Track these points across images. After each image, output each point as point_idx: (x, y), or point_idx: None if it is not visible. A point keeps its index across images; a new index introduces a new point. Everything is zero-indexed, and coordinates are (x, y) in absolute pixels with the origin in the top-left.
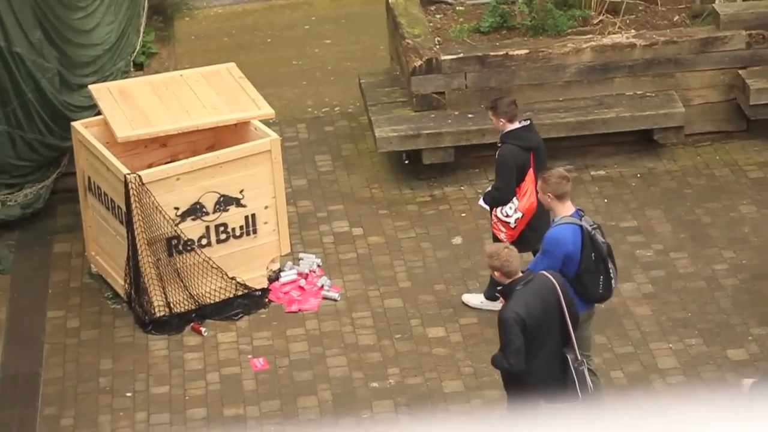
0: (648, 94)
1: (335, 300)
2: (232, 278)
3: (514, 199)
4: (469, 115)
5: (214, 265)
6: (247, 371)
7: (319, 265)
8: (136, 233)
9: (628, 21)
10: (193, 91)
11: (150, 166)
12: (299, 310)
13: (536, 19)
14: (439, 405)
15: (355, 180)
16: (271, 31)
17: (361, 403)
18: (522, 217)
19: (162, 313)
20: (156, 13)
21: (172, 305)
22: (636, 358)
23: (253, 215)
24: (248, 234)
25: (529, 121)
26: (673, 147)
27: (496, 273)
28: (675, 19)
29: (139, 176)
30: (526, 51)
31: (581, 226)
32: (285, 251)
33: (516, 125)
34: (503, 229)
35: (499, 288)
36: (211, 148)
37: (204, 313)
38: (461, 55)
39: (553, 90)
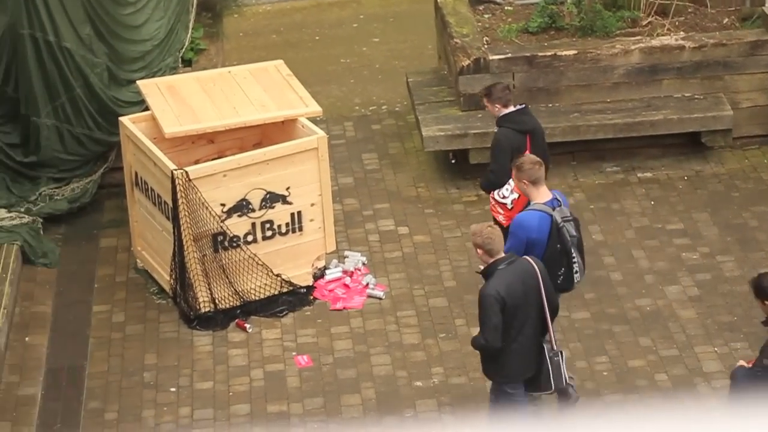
0: (696, 96)
1: (380, 298)
2: (278, 275)
3: (511, 180)
4: None
5: (260, 262)
6: (291, 368)
7: (364, 263)
8: (182, 229)
9: (677, 23)
10: (240, 88)
11: (197, 162)
12: (344, 308)
13: (585, 19)
14: (482, 405)
15: (402, 179)
16: (319, 29)
17: (404, 402)
18: (518, 198)
19: (207, 309)
20: (205, 10)
21: (217, 301)
22: (681, 361)
23: (299, 212)
24: (294, 231)
25: (524, 105)
26: (721, 150)
27: (479, 251)
28: (724, 22)
29: (186, 172)
30: (575, 52)
31: (551, 216)
32: (330, 249)
33: (511, 109)
34: (501, 211)
35: (481, 267)
36: (258, 145)
37: (249, 309)
38: (509, 55)
39: (600, 91)
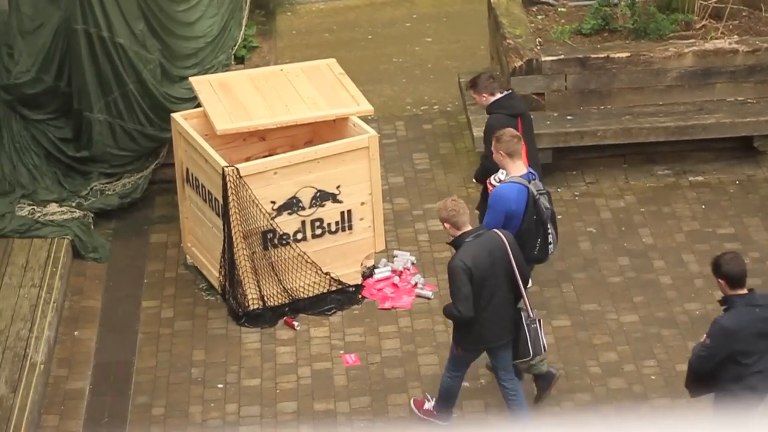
0: (749, 100)
1: (428, 298)
2: (326, 273)
3: None
4: (568, 117)
5: (309, 260)
6: (339, 367)
7: (413, 263)
8: (232, 226)
9: (731, 26)
10: (292, 86)
11: (248, 159)
12: (392, 307)
13: (638, 22)
14: (529, 407)
15: (452, 179)
16: (372, 28)
17: None
18: None
19: (255, 306)
20: (258, 8)
21: (265, 298)
22: None
23: (349, 211)
24: (344, 230)
25: (510, 90)
26: None
27: (446, 225)
28: None
29: (237, 169)
30: (628, 54)
31: (528, 188)
32: (380, 248)
33: (498, 96)
34: None
35: (450, 240)
36: (309, 143)
37: (297, 307)
38: (562, 56)
39: (653, 94)
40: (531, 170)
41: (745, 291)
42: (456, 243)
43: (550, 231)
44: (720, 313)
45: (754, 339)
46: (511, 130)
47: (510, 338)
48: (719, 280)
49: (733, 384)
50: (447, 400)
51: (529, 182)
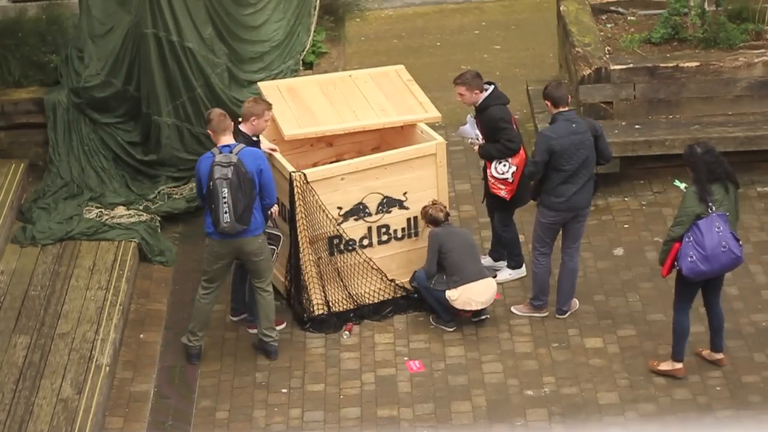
0: None
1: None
2: (392, 280)
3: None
4: (637, 126)
5: (375, 267)
6: (403, 373)
7: None
8: (298, 231)
9: None
10: (361, 92)
11: (315, 164)
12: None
13: (708, 31)
14: (593, 416)
15: None
16: (440, 35)
17: (515, 411)
18: (516, 170)
19: (320, 312)
20: (327, 13)
21: (330, 304)
22: None
23: (416, 218)
24: (410, 236)
25: (493, 85)
26: None
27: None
28: None
29: (304, 174)
30: (697, 63)
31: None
32: None
33: (486, 93)
34: (502, 186)
35: None
36: (376, 149)
37: (362, 313)
38: (631, 65)
39: (722, 104)
40: (230, 144)
41: (566, 109)
42: None
43: (226, 202)
44: None
45: (571, 149)
46: (217, 110)
47: None
48: (546, 102)
49: (552, 191)
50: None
51: (221, 152)
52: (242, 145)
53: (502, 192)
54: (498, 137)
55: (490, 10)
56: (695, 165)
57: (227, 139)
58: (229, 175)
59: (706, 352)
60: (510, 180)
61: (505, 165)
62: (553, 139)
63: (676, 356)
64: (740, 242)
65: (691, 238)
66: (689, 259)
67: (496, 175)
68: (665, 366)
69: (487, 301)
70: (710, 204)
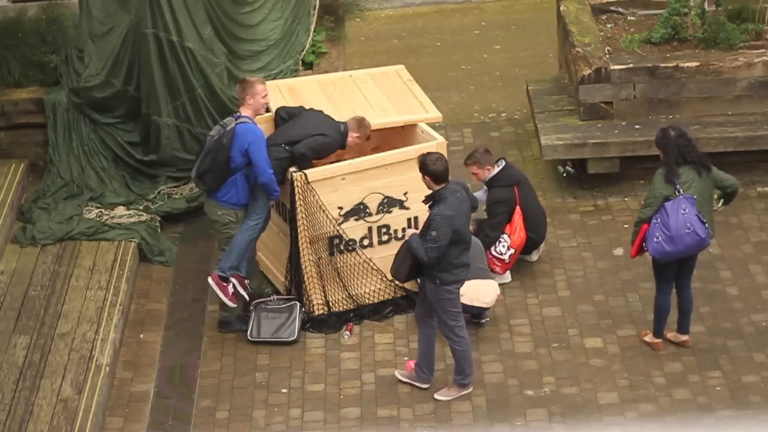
0: None
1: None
2: (391, 281)
3: (505, 236)
4: (637, 126)
5: (375, 267)
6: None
7: None
8: (299, 231)
9: None
10: (361, 92)
11: (316, 164)
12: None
13: (708, 31)
14: (593, 416)
15: None
16: (440, 35)
17: (515, 411)
18: (514, 252)
19: (321, 312)
20: (327, 13)
21: (331, 304)
22: None
23: (416, 218)
24: None
25: (504, 161)
26: None
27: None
28: None
29: (305, 175)
30: (697, 63)
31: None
32: None
33: (497, 169)
34: (498, 264)
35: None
36: (376, 150)
37: (362, 313)
38: (631, 65)
39: (722, 104)
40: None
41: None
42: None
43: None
44: None
45: (465, 220)
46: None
47: None
48: (425, 176)
49: (451, 265)
50: None
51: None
52: (246, 120)
53: (497, 268)
54: (487, 221)
55: (490, 10)
56: (666, 148)
57: (243, 110)
58: (215, 137)
59: (671, 335)
60: (506, 261)
61: (503, 246)
62: (455, 216)
63: (656, 333)
64: (706, 224)
65: (658, 220)
66: (655, 239)
67: (494, 253)
68: (648, 338)
69: (491, 303)
70: (677, 186)
